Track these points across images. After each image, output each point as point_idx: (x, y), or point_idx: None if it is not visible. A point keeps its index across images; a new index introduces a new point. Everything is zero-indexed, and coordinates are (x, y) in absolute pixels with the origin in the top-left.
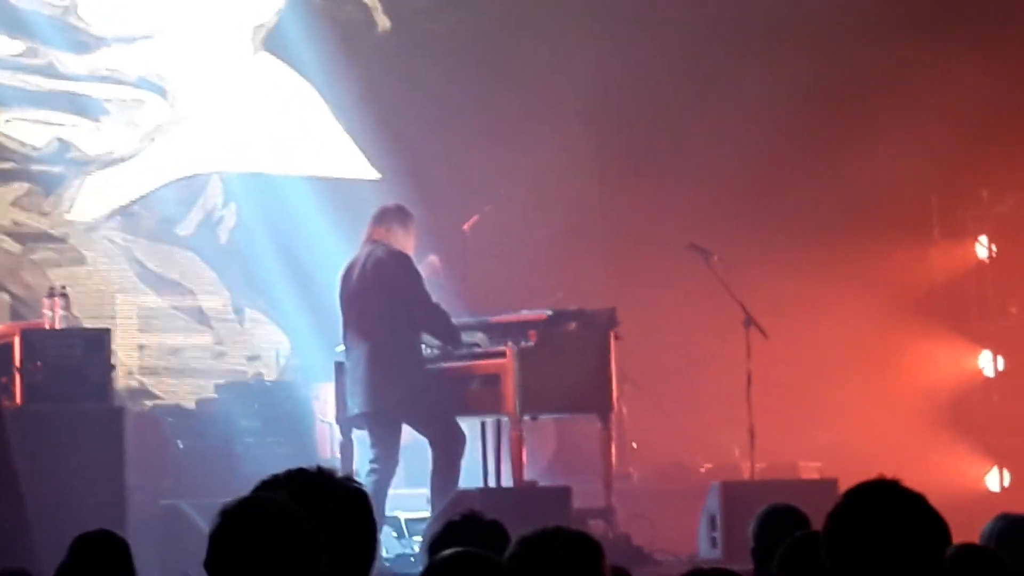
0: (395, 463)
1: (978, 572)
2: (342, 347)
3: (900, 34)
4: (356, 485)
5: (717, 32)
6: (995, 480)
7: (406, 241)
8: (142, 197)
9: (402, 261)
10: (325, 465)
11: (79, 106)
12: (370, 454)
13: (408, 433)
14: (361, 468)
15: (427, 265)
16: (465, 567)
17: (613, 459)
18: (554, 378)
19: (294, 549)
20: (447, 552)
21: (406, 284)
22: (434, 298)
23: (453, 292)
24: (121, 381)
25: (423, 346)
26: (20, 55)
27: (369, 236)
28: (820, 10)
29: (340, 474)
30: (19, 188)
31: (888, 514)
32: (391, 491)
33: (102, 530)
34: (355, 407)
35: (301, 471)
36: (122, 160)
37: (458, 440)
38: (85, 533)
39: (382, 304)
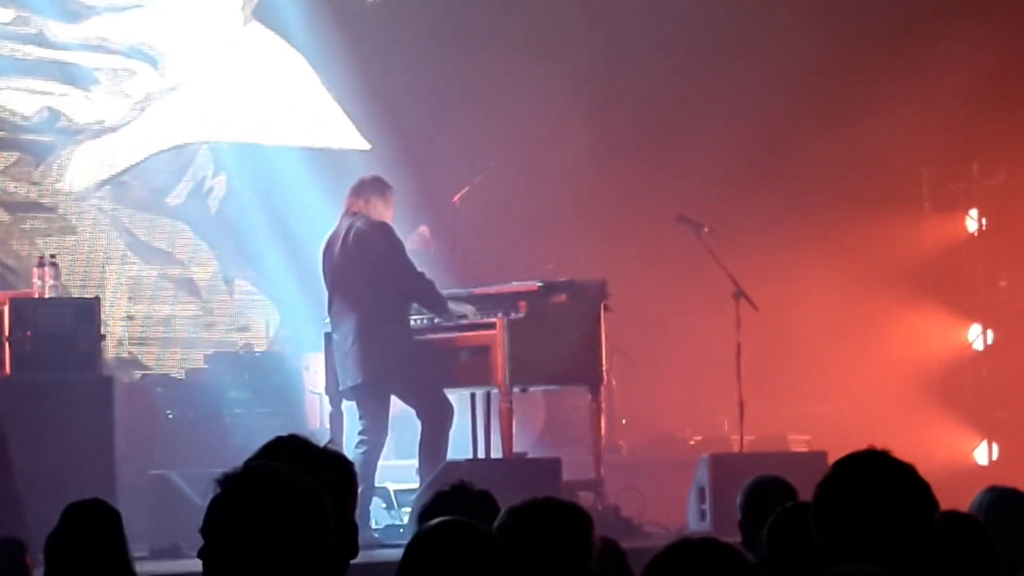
0: (384, 435)
1: (965, 540)
2: (328, 319)
3: (893, 5)
4: (337, 452)
5: (709, 4)
6: (984, 454)
7: (385, 211)
8: (132, 167)
9: (384, 231)
10: (310, 434)
11: (69, 75)
12: (359, 425)
13: (397, 405)
14: (350, 439)
15: (417, 236)
16: (451, 535)
17: (603, 431)
18: (544, 349)
19: (309, 518)
20: (433, 521)
21: (390, 254)
22: (419, 267)
23: (443, 263)
24: (110, 351)
25: (411, 318)
26: (10, 23)
27: (348, 209)
28: None
29: (324, 442)
30: (9, 157)
31: (878, 484)
32: (380, 462)
33: (94, 499)
34: (346, 380)
35: (280, 439)
36: (112, 129)
37: (446, 412)
38: (77, 501)
39: (367, 276)
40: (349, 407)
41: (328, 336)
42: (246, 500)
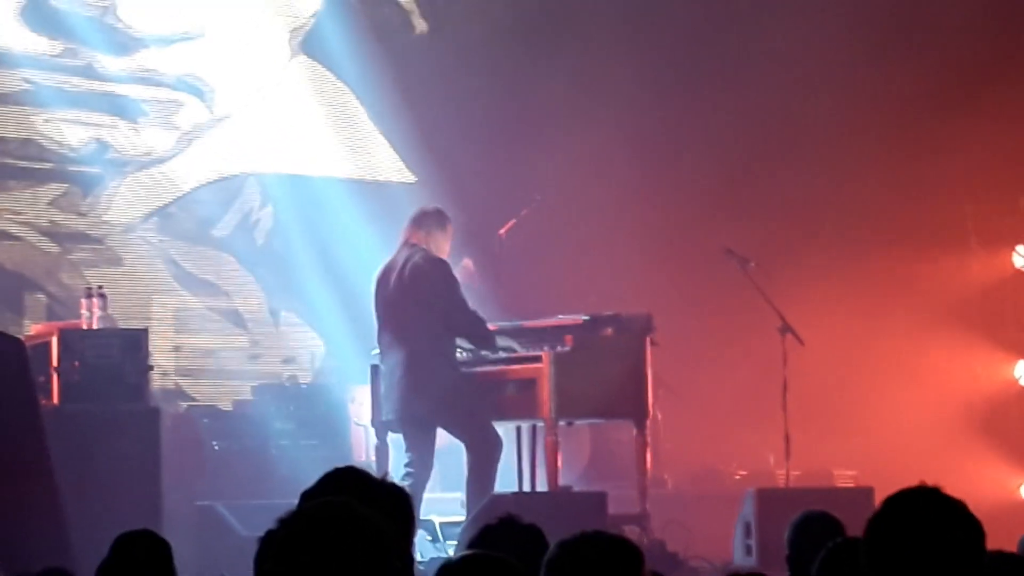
0: (430, 467)
1: None
2: (376, 351)
3: (944, 47)
4: (395, 485)
5: (756, 39)
6: None
7: (444, 245)
8: (179, 198)
9: (441, 268)
10: (367, 466)
11: (117, 107)
12: (405, 458)
13: (443, 437)
14: (396, 471)
15: (461, 269)
16: (476, 568)
17: (648, 465)
18: (590, 383)
19: (377, 556)
20: (458, 554)
21: (444, 291)
22: (470, 304)
23: (489, 296)
24: (157, 382)
25: (458, 351)
26: (59, 55)
27: (407, 240)
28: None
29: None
30: (57, 188)
31: (930, 521)
32: (426, 495)
33: (144, 530)
34: (390, 412)
35: (338, 471)
36: (160, 161)
37: (494, 444)
38: (128, 532)
39: (419, 311)
40: (395, 439)
41: (375, 368)
42: (321, 537)
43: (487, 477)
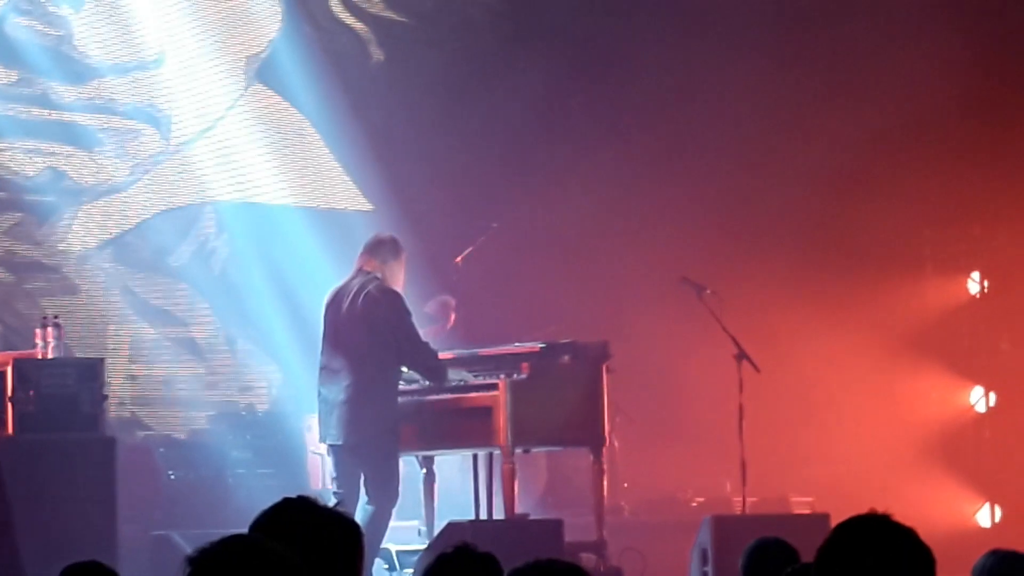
0: (357, 492)
1: None
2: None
3: (900, 81)
4: (345, 515)
5: (712, 68)
6: (986, 516)
7: (398, 273)
8: (135, 227)
9: (395, 300)
10: (317, 496)
11: (73, 136)
12: (332, 485)
13: (401, 465)
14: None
15: (439, 304)
16: None
17: (605, 492)
18: (547, 411)
19: None
20: None
21: (396, 321)
22: (423, 334)
23: (445, 329)
24: (113, 411)
25: (415, 382)
26: (14, 84)
27: (361, 267)
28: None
29: (330, 504)
30: (12, 217)
31: (879, 548)
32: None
33: (92, 561)
34: (327, 436)
35: (288, 501)
36: (116, 190)
37: (394, 499)
38: (74, 563)
39: (371, 340)
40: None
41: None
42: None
43: (378, 526)
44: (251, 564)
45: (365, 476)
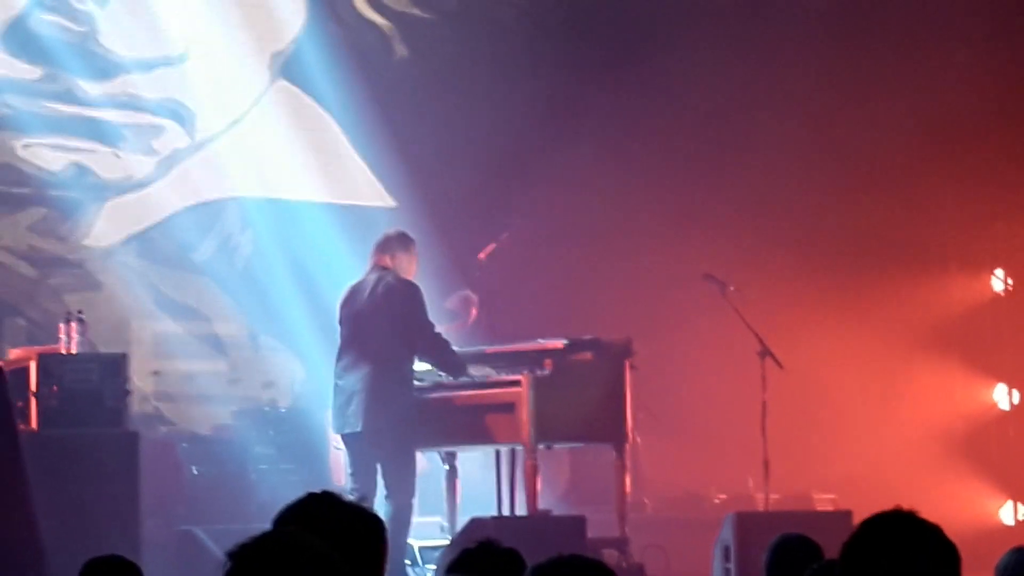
0: (375, 484)
1: None
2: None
3: (928, 82)
4: (368, 510)
5: (738, 67)
6: (1009, 513)
7: (409, 267)
8: (159, 223)
9: (412, 290)
10: (341, 491)
11: (97, 132)
12: (349, 481)
13: (421, 460)
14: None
15: (460, 299)
16: None
17: (628, 489)
18: (569, 407)
19: None
20: None
21: (411, 311)
22: (438, 328)
23: (466, 324)
24: (136, 407)
25: (437, 376)
26: (39, 80)
27: (375, 264)
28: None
29: (353, 499)
30: (36, 213)
31: (905, 545)
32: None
33: (113, 555)
34: (343, 426)
35: (312, 496)
36: (140, 186)
37: (407, 496)
38: (96, 558)
39: (389, 330)
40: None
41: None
42: (267, 571)
43: (398, 527)
44: (291, 559)
45: (382, 466)
